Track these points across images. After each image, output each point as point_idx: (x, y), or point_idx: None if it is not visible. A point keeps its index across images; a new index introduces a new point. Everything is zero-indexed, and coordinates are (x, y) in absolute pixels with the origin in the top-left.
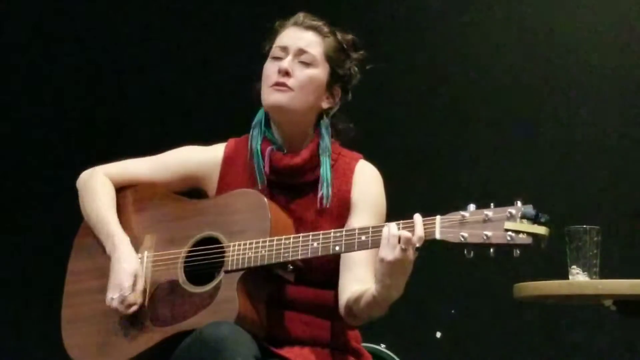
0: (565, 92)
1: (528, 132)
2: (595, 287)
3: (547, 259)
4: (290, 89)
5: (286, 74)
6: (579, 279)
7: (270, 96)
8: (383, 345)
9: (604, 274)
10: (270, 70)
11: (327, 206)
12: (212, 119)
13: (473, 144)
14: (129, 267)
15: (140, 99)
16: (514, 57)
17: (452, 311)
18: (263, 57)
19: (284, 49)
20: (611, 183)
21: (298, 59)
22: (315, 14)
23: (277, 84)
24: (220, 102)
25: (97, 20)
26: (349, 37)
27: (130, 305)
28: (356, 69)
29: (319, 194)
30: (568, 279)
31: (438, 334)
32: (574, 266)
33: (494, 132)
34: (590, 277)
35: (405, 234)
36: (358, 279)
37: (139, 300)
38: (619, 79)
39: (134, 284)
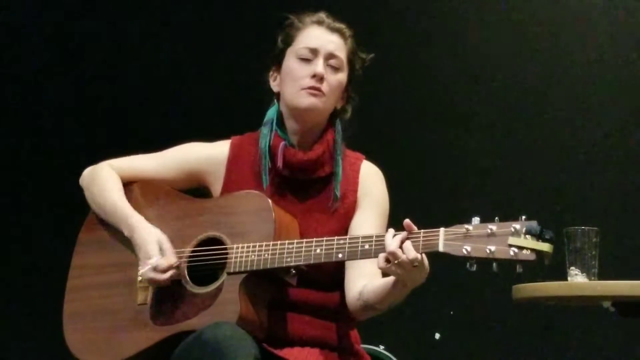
0: (566, 94)
1: None
2: (594, 288)
3: None
4: (324, 94)
5: (321, 79)
6: (577, 280)
7: (304, 99)
8: (382, 347)
9: (602, 276)
10: (301, 72)
11: (337, 205)
12: (214, 117)
13: (473, 145)
14: (150, 237)
15: (141, 98)
16: (516, 59)
17: (451, 312)
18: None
19: (314, 51)
20: (610, 184)
21: (327, 62)
22: (318, 10)
23: (313, 88)
24: (223, 101)
25: (99, 20)
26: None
27: (165, 270)
28: (362, 65)
29: (332, 193)
30: (567, 280)
31: (437, 335)
32: (572, 267)
33: (494, 134)
34: (589, 278)
35: (399, 254)
36: (365, 275)
37: (172, 261)
38: (618, 79)
39: (161, 250)
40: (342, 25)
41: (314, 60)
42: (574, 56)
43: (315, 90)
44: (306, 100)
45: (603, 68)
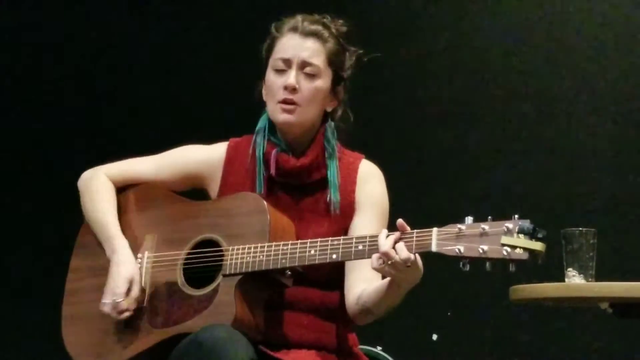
0: (566, 93)
1: None
2: (592, 289)
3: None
4: (298, 104)
5: (293, 90)
6: (575, 281)
7: (279, 115)
8: (379, 348)
9: (600, 277)
10: (275, 85)
11: (337, 212)
12: (212, 119)
13: (472, 145)
14: (125, 272)
15: (140, 98)
16: (516, 59)
17: (449, 313)
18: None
19: (287, 62)
20: (607, 185)
21: (302, 70)
22: (312, 10)
23: (285, 102)
24: (220, 102)
25: (98, 20)
26: (343, 28)
27: (122, 312)
28: (353, 61)
29: (328, 199)
30: (564, 281)
31: (434, 337)
32: (570, 269)
33: (493, 134)
34: (587, 279)
35: (392, 255)
36: (365, 279)
37: (132, 306)
38: (616, 80)
39: (129, 290)
40: (319, 27)
41: (288, 71)
42: (575, 57)
43: (287, 105)
44: (280, 117)
45: (604, 68)
